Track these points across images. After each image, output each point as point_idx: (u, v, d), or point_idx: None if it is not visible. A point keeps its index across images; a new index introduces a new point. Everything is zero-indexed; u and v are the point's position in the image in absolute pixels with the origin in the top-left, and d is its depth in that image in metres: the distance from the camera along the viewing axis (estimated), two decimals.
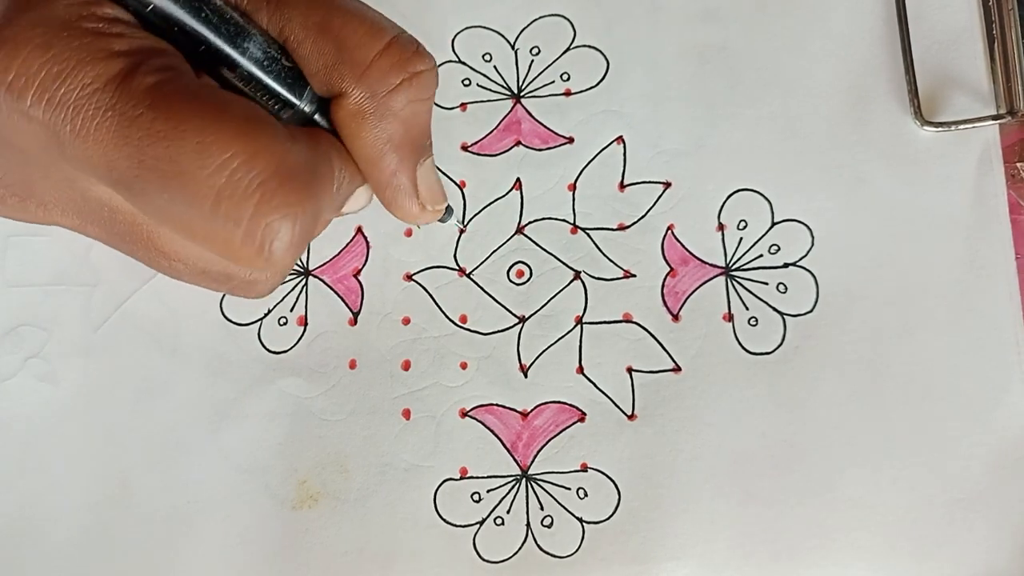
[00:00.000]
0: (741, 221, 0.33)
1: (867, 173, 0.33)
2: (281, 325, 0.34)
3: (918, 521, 0.30)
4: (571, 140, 0.34)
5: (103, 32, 0.20)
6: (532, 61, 0.35)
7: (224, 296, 0.34)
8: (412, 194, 0.25)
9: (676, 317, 0.33)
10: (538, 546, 0.31)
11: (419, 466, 0.32)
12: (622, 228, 0.33)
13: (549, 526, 0.31)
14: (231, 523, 0.32)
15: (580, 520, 0.31)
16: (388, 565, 0.31)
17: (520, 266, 0.34)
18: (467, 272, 0.34)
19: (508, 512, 0.32)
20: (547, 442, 0.32)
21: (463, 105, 0.35)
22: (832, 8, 0.34)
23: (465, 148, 0.35)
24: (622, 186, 0.34)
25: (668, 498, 0.31)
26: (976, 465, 0.30)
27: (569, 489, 0.32)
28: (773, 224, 0.33)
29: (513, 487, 0.32)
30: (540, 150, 0.34)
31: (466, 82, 0.35)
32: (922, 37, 0.33)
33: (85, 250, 0.34)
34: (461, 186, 0.34)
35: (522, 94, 0.35)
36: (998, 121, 0.32)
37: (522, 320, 0.33)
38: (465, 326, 0.33)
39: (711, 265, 0.33)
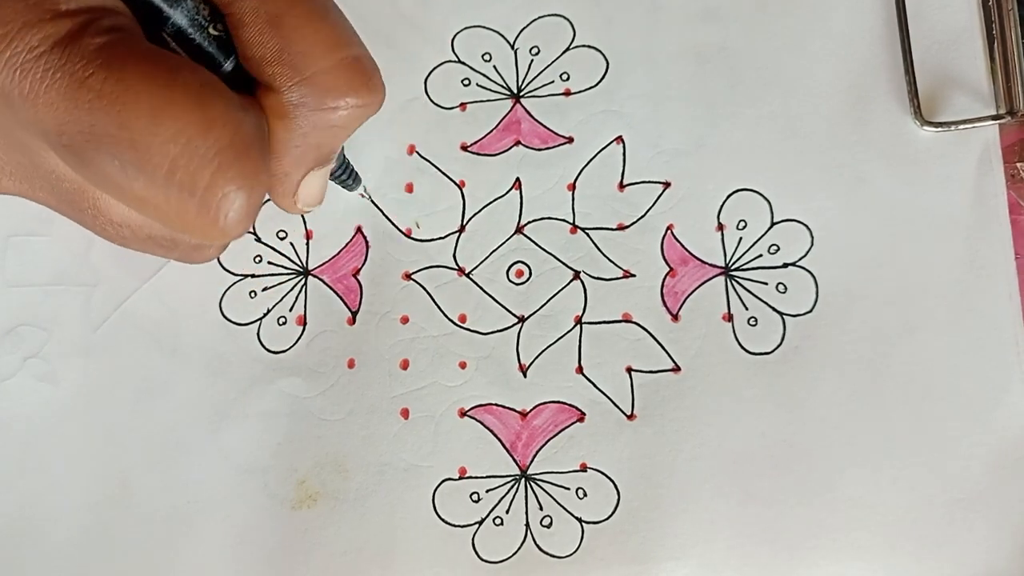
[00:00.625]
0: (741, 221, 0.33)
1: (867, 173, 0.33)
2: (280, 325, 0.34)
3: (918, 521, 0.30)
4: (571, 140, 0.34)
5: None
6: (532, 61, 0.35)
7: (224, 296, 0.34)
8: (291, 192, 0.25)
9: (676, 317, 0.33)
10: (537, 546, 0.31)
11: (418, 466, 0.32)
12: (622, 228, 0.33)
13: (548, 526, 0.31)
14: (230, 523, 0.32)
15: (579, 520, 0.31)
16: (387, 565, 0.31)
17: (519, 266, 0.34)
18: (466, 272, 0.34)
19: (507, 512, 0.32)
20: (546, 442, 0.32)
21: (463, 105, 0.35)
22: (832, 8, 0.34)
23: (465, 148, 0.35)
24: (622, 186, 0.34)
25: (667, 498, 0.31)
26: (976, 465, 0.30)
27: (568, 489, 0.32)
28: (773, 224, 0.33)
29: (512, 487, 0.32)
30: (540, 150, 0.34)
31: (465, 82, 0.35)
32: (922, 37, 0.33)
33: (85, 250, 0.34)
34: (461, 186, 0.34)
35: (522, 94, 0.35)
36: (998, 121, 0.32)
37: (521, 320, 0.33)
38: (464, 326, 0.33)
39: (711, 265, 0.33)
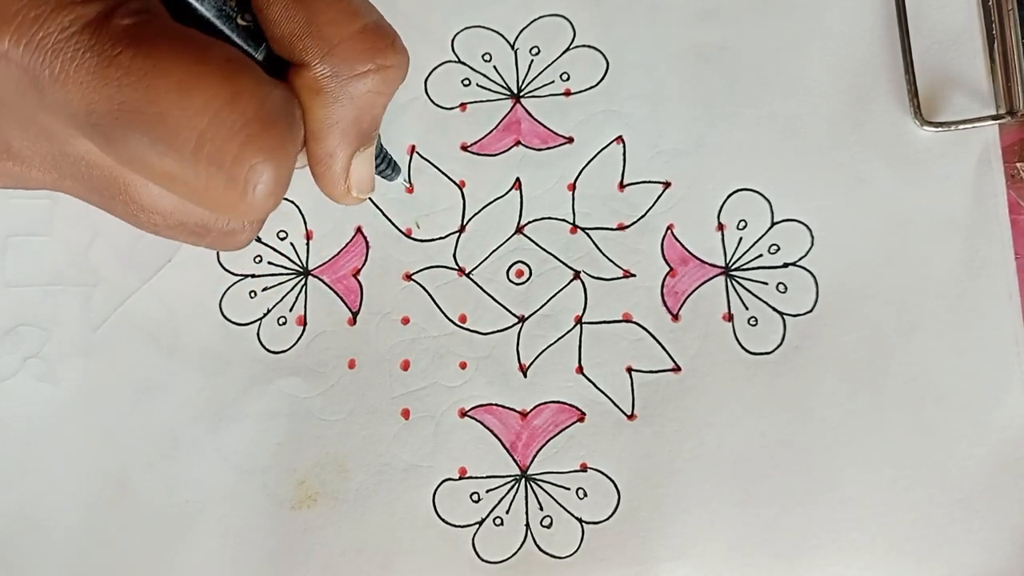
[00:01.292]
0: (741, 221, 0.33)
1: (867, 173, 0.33)
2: (280, 325, 0.34)
3: (918, 521, 0.30)
4: (571, 140, 0.34)
5: None
6: (532, 61, 0.35)
7: (224, 296, 0.34)
8: (342, 178, 0.24)
9: (676, 317, 0.33)
10: (537, 546, 0.31)
11: (418, 466, 0.32)
12: (622, 228, 0.33)
13: (548, 526, 0.31)
14: (230, 523, 0.32)
15: (579, 520, 0.31)
16: (387, 565, 0.31)
17: (520, 266, 0.34)
18: (466, 272, 0.34)
19: (507, 512, 0.32)
20: (546, 442, 0.32)
21: (463, 105, 0.35)
22: (831, 8, 0.34)
23: (465, 148, 0.35)
24: (622, 186, 0.34)
25: (668, 498, 0.31)
26: (976, 465, 0.30)
27: (568, 489, 0.32)
28: (773, 224, 0.33)
29: (512, 487, 0.32)
30: (540, 150, 0.34)
31: (466, 82, 0.35)
32: (922, 37, 0.33)
33: (84, 250, 0.34)
34: (461, 186, 0.34)
35: (522, 94, 0.35)
36: (998, 121, 0.32)
37: (521, 320, 0.33)
38: (464, 326, 0.33)
39: (711, 265, 0.33)
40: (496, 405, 0.32)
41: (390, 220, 0.34)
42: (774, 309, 0.32)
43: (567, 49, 0.35)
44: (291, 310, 0.34)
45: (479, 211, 0.34)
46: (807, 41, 0.34)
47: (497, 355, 0.33)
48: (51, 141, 0.23)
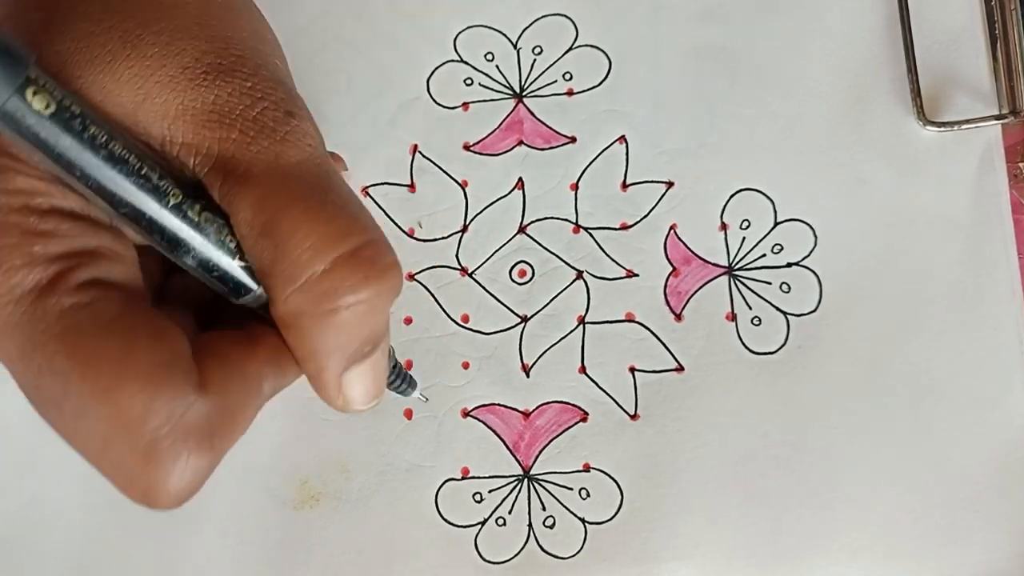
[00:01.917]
0: (744, 221, 0.33)
1: (870, 173, 0.33)
2: None
3: (919, 521, 0.30)
4: (573, 140, 0.34)
5: (32, 231, 0.19)
6: (534, 60, 0.35)
7: None
8: (336, 395, 0.23)
9: (679, 317, 0.33)
10: (540, 547, 0.31)
11: (420, 466, 0.32)
12: (624, 228, 0.33)
13: (551, 527, 0.31)
14: (232, 523, 0.32)
15: (582, 521, 0.31)
16: (389, 565, 0.31)
17: (522, 266, 0.34)
18: (469, 272, 0.34)
19: (510, 512, 0.32)
20: (549, 442, 0.32)
21: (465, 104, 0.35)
22: (833, 8, 0.34)
23: (467, 147, 0.35)
24: (624, 186, 0.34)
25: (670, 498, 0.31)
26: (977, 465, 0.30)
27: (571, 489, 0.32)
28: (776, 224, 0.33)
29: (515, 487, 0.32)
30: (542, 150, 0.34)
31: (468, 81, 0.35)
32: (923, 37, 0.33)
33: None
34: (463, 185, 0.34)
35: (524, 94, 0.35)
36: (1000, 121, 0.32)
37: (524, 320, 0.33)
38: (467, 326, 0.33)
39: (714, 265, 0.33)
40: (499, 405, 0.32)
41: (392, 220, 0.34)
42: (777, 309, 0.32)
43: (570, 48, 0.35)
44: None
45: (481, 211, 0.34)
46: (809, 41, 0.34)
47: (500, 355, 0.33)
48: None
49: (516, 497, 0.32)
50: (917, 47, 0.33)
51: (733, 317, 0.32)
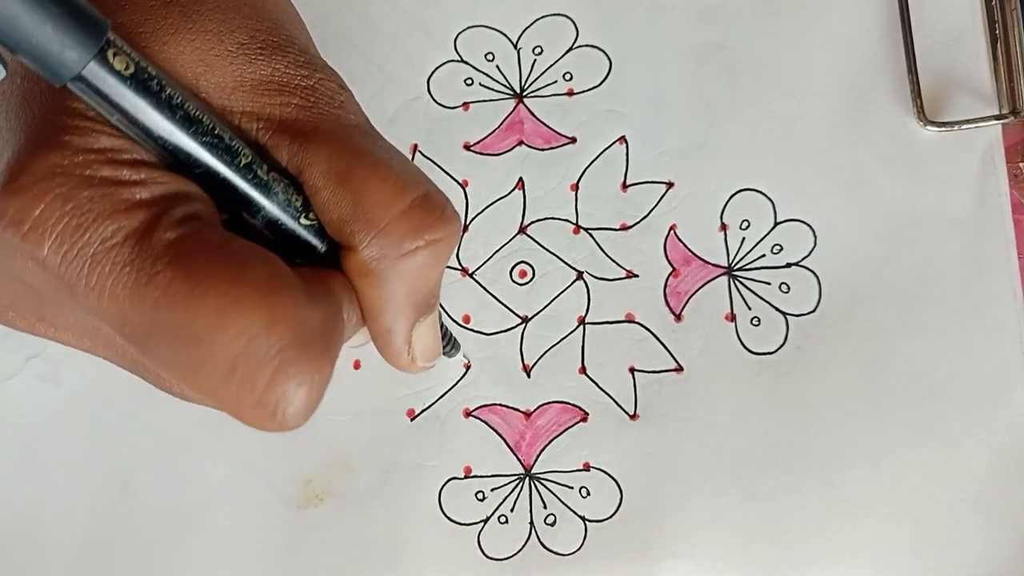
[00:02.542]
0: (744, 221, 0.33)
1: (870, 173, 0.33)
2: None
3: (920, 521, 0.30)
4: (574, 140, 0.34)
5: (124, 181, 0.19)
6: (535, 61, 0.35)
7: None
8: (404, 350, 0.24)
9: (678, 317, 0.33)
10: (541, 544, 0.31)
11: (424, 465, 0.32)
12: (624, 228, 0.34)
13: (552, 524, 0.32)
14: (236, 522, 0.32)
15: (583, 518, 0.32)
16: (393, 563, 0.32)
17: (523, 266, 0.34)
18: (470, 272, 0.34)
19: (512, 511, 0.32)
20: (550, 442, 0.32)
21: (465, 104, 0.35)
22: (833, 8, 0.34)
23: (467, 147, 0.35)
24: (624, 186, 0.34)
25: (670, 497, 0.31)
26: (978, 465, 0.31)
27: (572, 488, 0.32)
28: (776, 224, 0.33)
29: (517, 486, 0.32)
30: (543, 150, 0.34)
31: (468, 81, 0.35)
32: (924, 37, 0.33)
33: None
34: (463, 185, 0.34)
35: (524, 94, 0.35)
36: (1001, 121, 0.32)
37: (525, 320, 0.33)
38: (468, 326, 0.33)
39: (713, 265, 0.33)
40: (500, 405, 0.33)
41: None
42: (777, 309, 0.32)
43: (570, 49, 0.35)
44: None
45: (482, 211, 0.34)
46: (809, 41, 0.34)
47: (501, 355, 0.33)
48: (85, 320, 0.22)
49: (518, 495, 0.32)
50: (917, 47, 0.33)
51: (733, 317, 0.32)
